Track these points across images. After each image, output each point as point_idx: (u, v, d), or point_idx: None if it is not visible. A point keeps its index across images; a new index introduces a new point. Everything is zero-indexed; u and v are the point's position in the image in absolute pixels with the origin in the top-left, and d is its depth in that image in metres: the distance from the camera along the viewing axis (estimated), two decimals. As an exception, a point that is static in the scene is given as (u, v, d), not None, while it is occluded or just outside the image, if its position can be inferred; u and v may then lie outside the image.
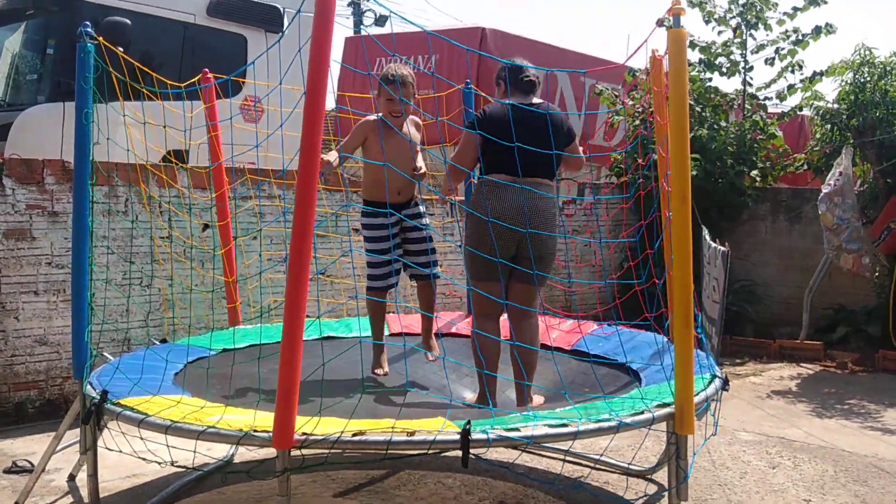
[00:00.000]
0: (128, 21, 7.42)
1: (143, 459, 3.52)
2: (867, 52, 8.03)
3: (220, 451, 4.71)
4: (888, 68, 7.90)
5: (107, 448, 3.76)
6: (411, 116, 4.67)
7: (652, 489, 4.40)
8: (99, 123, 4.07)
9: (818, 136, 8.71)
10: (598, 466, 4.64)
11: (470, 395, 4.49)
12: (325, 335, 5.12)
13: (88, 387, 3.80)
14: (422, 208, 4.77)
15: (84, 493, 4.10)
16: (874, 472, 4.73)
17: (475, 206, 4.25)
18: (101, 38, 4.09)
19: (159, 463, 3.48)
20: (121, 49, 4.48)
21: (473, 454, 3.55)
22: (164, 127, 4.28)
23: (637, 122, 9.00)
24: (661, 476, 4.43)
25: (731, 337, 8.38)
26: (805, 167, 9.21)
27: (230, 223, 5.30)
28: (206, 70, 5.17)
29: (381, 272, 4.68)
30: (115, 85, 4.12)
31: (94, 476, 3.85)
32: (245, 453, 4.86)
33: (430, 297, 4.82)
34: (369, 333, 4.76)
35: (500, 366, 4.27)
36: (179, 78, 5.19)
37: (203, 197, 6.22)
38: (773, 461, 4.91)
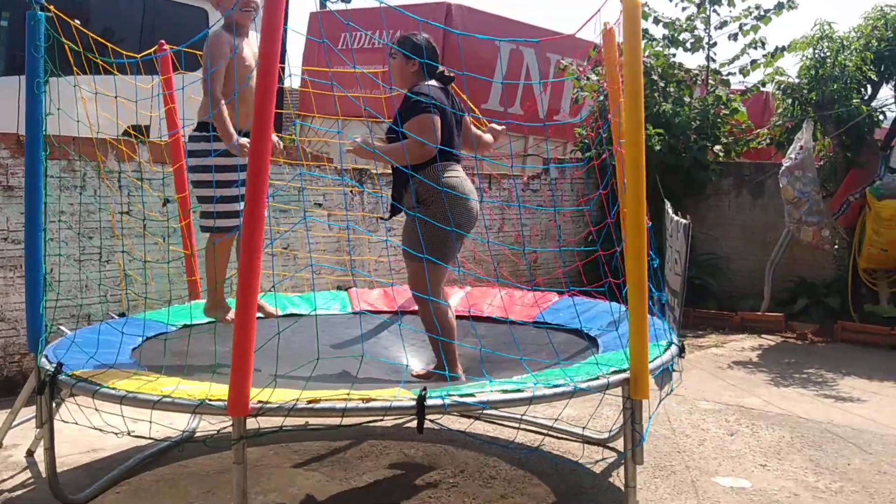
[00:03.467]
0: (85, -7, 7.30)
1: (100, 431, 3.49)
2: (826, 27, 8.11)
3: (181, 425, 4.69)
4: (846, 43, 7.98)
5: (63, 421, 3.72)
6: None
7: (611, 456, 4.45)
8: (53, 95, 4.02)
9: (780, 110, 8.79)
10: (557, 435, 4.69)
11: (420, 368, 4.49)
12: (287, 312, 5.08)
13: (44, 360, 3.76)
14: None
15: (42, 467, 4.06)
16: (829, 437, 4.82)
17: (457, 190, 4.20)
18: (52, 8, 4.02)
19: (116, 434, 3.46)
20: (77, 21, 4.40)
21: (434, 422, 3.57)
22: (116, 97, 4.21)
23: (602, 97, 9.02)
24: (621, 445, 4.47)
25: (694, 309, 8.48)
26: (768, 142, 9.30)
27: (188, 196, 5.25)
28: (163, 42, 5.09)
29: (230, 209, 4.18)
30: (70, 57, 4.05)
31: (50, 450, 3.80)
32: (208, 427, 4.85)
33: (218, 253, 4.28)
34: (333, 311, 4.67)
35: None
36: (139, 53, 5.11)
37: (161, 172, 6.14)
38: (731, 428, 4.99)
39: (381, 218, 4.37)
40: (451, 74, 4.39)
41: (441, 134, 4.15)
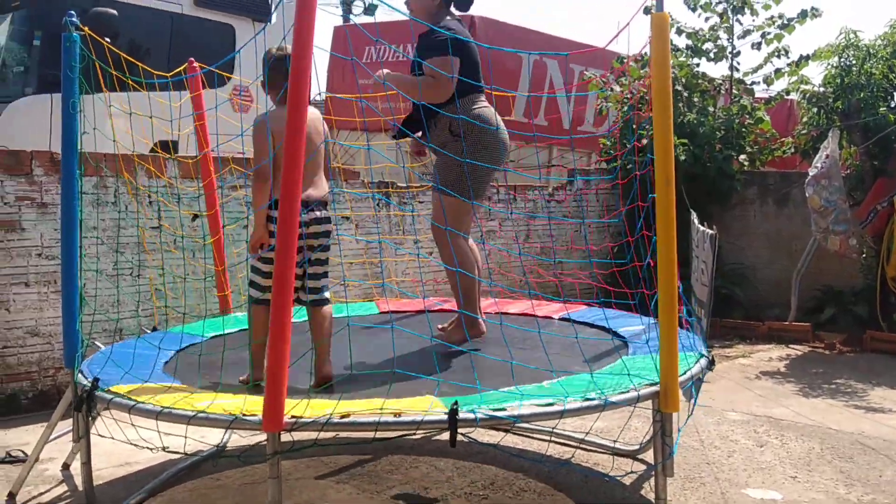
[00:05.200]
0: (114, 12, 7.41)
1: (135, 446, 3.55)
2: (852, 35, 8.07)
3: (213, 438, 4.74)
4: (872, 51, 7.94)
5: (99, 435, 3.79)
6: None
7: (640, 468, 4.45)
8: (85, 113, 4.10)
9: (805, 119, 8.76)
10: (587, 447, 4.69)
11: (442, 324, 4.55)
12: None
13: (80, 375, 3.83)
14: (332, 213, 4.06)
15: (78, 481, 4.14)
16: (859, 448, 4.79)
17: (489, 122, 4.25)
18: (86, 29, 4.11)
19: (151, 449, 3.52)
20: (107, 40, 4.49)
21: (464, 435, 3.60)
22: (151, 117, 4.29)
23: (626, 108, 9.04)
24: (650, 456, 4.47)
25: (720, 319, 8.44)
26: (793, 151, 9.27)
27: (219, 212, 5.32)
28: (192, 59, 5.17)
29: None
30: (100, 76, 4.13)
31: (87, 464, 3.88)
32: (239, 440, 4.90)
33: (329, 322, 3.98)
34: (360, 315, 4.70)
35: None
36: (168, 69, 5.20)
37: (192, 187, 6.24)
38: (760, 440, 4.97)
39: (394, 137, 4.43)
40: None
41: (466, 67, 4.16)
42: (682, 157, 8.44)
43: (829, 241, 7.85)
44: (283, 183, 2.97)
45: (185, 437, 3.33)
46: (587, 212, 9.28)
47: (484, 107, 4.29)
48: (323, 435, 3.25)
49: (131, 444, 3.58)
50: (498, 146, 4.31)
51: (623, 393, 3.26)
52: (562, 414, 3.14)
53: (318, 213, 3.82)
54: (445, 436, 3.07)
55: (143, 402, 3.31)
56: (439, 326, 4.44)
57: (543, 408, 3.12)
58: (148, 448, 3.53)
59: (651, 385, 3.33)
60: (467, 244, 4.38)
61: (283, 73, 3.47)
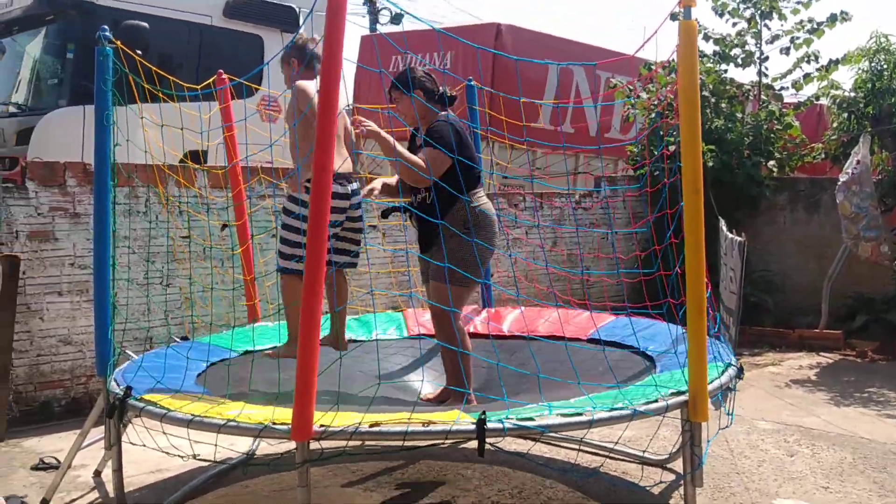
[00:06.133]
0: (146, 24, 7.51)
1: (166, 453, 3.59)
2: (883, 39, 7.99)
3: (242, 446, 4.78)
4: (904, 55, 7.85)
5: (131, 443, 3.83)
6: None
7: (669, 477, 4.42)
8: (118, 125, 4.16)
9: (835, 124, 8.67)
10: (615, 456, 4.67)
11: (430, 391, 4.57)
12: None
13: (112, 383, 3.88)
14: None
15: (110, 488, 4.19)
16: (893, 458, 4.72)
17: (487, 218, 4.38)
18: (118, 42, 4.17)
19: (182, 457, 3.56)
20: (139, 52, 4.56)
21: (491, 444, 3.60)
22: (182, 129, 4.34)
23: (653, 115, 8.99)
24: (679, 466, 4.44)
25: (749, 327, 8.35)
26: (823, 156, 9.17)
27: (248, 222, 5.37)
28: (221, 71, 5.23)
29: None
30: (133, 88, 4.20)
31: (118, 471, 3.93)
32: (267, 448, 4.93)
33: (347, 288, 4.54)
34: (392, 334, 4.73)
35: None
36: (197, 80, 5.26)
37: (220, 197, 6.29)
38: (791, 449, 4.92)
39: (383, 215, 4.63)
40: (453, 94, 4.51)
41: (468, 161, 4.29)
42: (711, 164, 8.38)
43: (860, 247, 7.76)
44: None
45: (215, 445, 3.37)
46: (614, 219, 9.23)
47: (486, 201, 4.45)
48: (351, 443, 3.27)
49: (162, 451, 3.62)
50: (498, 233, 4.57)
51: (651, 403, 3.25)
52: (590, 424, 3.13)
53: (355, 185, 4.24)
54: (473, 444, 3.07)
55: (174, 411, 3.36)
56: (423, 398, 4.46)
57: (572, 418, 3.12)
58: (178, 456, 3.56)
59: (679, 394, 3.31)
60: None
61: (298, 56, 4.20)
